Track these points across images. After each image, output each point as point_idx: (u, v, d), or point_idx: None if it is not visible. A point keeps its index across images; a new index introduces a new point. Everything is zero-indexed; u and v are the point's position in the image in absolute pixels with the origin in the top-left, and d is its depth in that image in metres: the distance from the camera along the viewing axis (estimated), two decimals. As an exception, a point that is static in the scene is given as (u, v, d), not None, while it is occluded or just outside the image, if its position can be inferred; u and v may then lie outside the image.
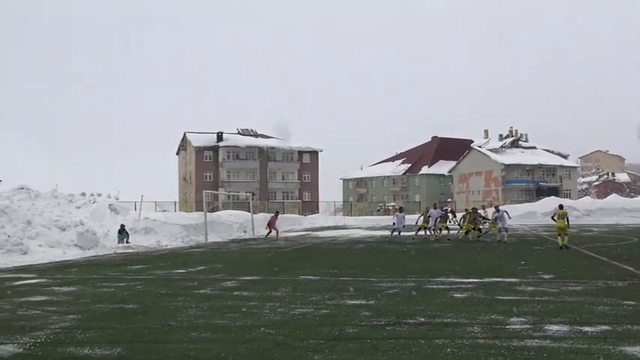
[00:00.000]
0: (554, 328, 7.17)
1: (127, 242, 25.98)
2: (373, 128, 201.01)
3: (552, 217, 21.39)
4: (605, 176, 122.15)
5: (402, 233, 26.58)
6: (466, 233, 25.30)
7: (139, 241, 26.46)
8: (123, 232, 26.49)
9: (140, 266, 16.86)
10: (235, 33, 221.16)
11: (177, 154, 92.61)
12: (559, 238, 20.59)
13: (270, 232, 31.12)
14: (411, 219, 30.31)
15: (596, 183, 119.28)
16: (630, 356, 5.83)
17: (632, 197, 69.92)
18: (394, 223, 26.93)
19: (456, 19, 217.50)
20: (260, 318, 8.14)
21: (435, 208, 29.06)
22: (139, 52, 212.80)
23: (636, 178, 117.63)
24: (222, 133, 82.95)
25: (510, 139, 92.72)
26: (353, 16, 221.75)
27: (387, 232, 29.21)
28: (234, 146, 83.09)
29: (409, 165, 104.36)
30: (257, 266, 16.38)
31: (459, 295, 9.92)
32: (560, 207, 21.95)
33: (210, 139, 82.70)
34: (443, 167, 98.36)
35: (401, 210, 28.71)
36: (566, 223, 20.44)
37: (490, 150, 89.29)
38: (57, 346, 6.67)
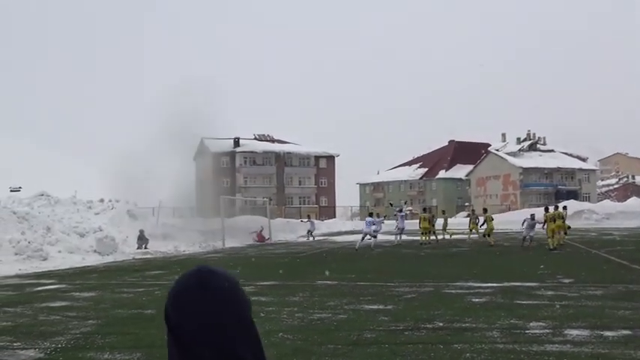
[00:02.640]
0: (575, 332, 7.11)
1: (146, 248, 26.15)
2: (390, 132, 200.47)
3: (542, 225, 21.41)
4: (625, 179, 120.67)
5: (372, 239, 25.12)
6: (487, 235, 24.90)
7: (157, 247, 26.63)
8: (142, 238, 26.68)
9: (158, 272, 16.96)
10: (248, 36, 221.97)
11: (195, 159, 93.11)
12: (550, 240, 20.52)
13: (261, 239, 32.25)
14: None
15: (615, 186, 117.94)
16: (652, 361, 5.78)
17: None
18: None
19: (471, 21, 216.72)
20: (278, 323, 8.16)
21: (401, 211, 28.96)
22: (151, 56, 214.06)
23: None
24: (238, 138, 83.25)
25: (528, 143, 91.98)
26: (369, 20, 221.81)
27: (405, 237, 29.12)
28: (251, 152, 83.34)
29: (426, 169, 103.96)
30: (274, 271, 16.39)
31: (477, 300, 9.86)
32: (556, 208, 21.90)
33: (227, 145, 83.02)
34: (460, 171, 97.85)
35: (370, 215, 27.60)
36: (562, 223, 20.52)
37: (508, 153, 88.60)
38: (77, 352, 6.73)
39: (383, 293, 10.98)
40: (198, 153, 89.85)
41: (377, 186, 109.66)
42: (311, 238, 25.74)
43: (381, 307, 9.37)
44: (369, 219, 26.02)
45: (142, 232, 27.09)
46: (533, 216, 24.02)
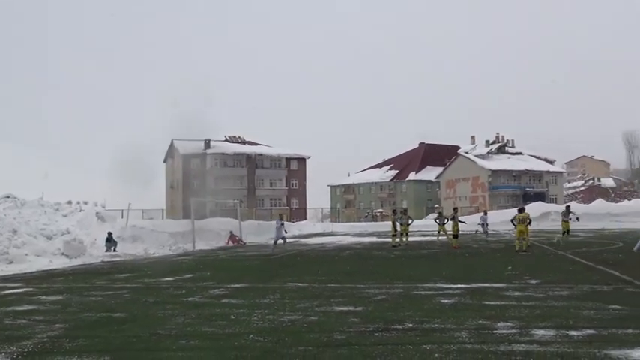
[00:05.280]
0: (541, 332, 7.24)
1: (115, 250, 25.86)
2: (361, 135, 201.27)
3: (512, 221, 21.67)
4: (591, 181, 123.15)
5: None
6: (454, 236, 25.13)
7: (127, 249, 26.35)
8: (110, 241, 26.37)
9: (127, 274, 16.78)
10: (220, 37, 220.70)
11: (165, 161, 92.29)
12: (517, 241, 20.84)
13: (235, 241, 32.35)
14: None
15: (581, 188, 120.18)
16: (615, 359, 5.91)
17: (617, 202, 70.60)
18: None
19: (442, 23, 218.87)
20: (248, 325, 8.15)
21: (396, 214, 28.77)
22: (120, 57, 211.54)
23: (621, 184, 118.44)
24: (209, 140, 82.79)
25: (497, 145, 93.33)
26: (339, 22, 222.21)
27: (375, 239, 29.25)
28: (222, 154, 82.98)
29: (397, 171, 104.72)
30: (245, 273, 16.36)
31: (446, 301, 9.97)
32: (520, 211, 22.19)
33: (197, 147, 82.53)
34: (430, 173, 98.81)
35: (281, 218, 28.00)
36: (526, 227, 20.80)
37: (477, 156, 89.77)
38: (44, 356, 6.64)
39: (353, 295, 11.04)
40: (169, 155, 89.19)
41: (348, 188, 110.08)
42: (280, 241, 25.57)
43: (351, 308, 9.41)
44: (277, 222, 26.35)
45: (110, 234, 26.78)
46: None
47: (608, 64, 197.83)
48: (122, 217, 34.24)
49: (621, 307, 8.90)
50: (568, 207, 27.43)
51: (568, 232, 25.47)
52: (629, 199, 73.17)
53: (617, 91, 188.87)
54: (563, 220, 25.79)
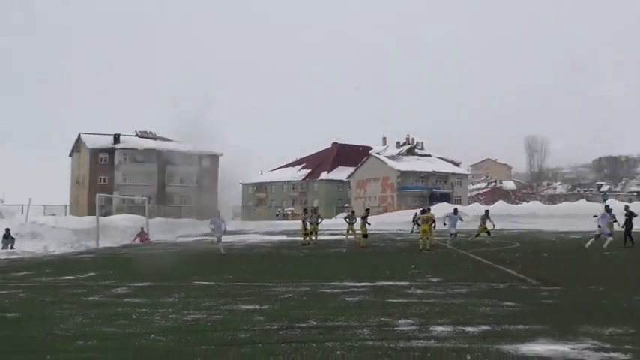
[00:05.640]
0: (439, 328, 7.50)
1: (12, 248, 24.65)
2: (275, 134, 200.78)
3: (415, 221, 22.37)
4: (494, 184, 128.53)
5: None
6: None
7: (25, 247, 25.19)
8: (8, 238, 25.12)
9: (25, 272, 16.04)
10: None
11: (71, 155, 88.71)
12: (420, 241, 21.58)
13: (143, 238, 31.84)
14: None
15: (485, 190, 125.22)
16: (506, 354, 6.20)
17: (517, 204, 74.16)
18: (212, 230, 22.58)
19: (352, 26, 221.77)
20: (151, 325, 7.98)
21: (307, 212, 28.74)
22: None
23: (521, 186, 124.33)
24: (119, 135, 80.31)
25: (407, 147, 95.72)
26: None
27: (285, 237, 29.35)
28: (132, 149, 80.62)
29: (309, 170, 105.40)
30: (150, 272, 15.98)
31: (351, 299, 10.14)
32: (423, 211, 22.94)
33: (106, 141, 79.87)
34: (342, 173, 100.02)
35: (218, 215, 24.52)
36: (430, 227, 21.56)
37: (388, 157, 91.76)
38: None
39: (260, 293, 11.02)
40: (75, 149, 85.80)
41: (260, 186, 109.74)
42: (214, 239, 23.43)
43: (257, 307, 9.40)
44: (216, 220, 22.81)
45: (8, 230, 25.50)
46: (455, 210, 24.54)
47: (513, 73, 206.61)
48: (22, 213, 32.69)
49: (514, 304, 9.35)
50: (487, 211, 27.23)
51: (489, 233, 25.05)
52: (528, 202, 77.18)
53: (519, 98, 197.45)
54: (481, 225, 25.30)
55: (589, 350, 6.32)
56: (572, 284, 11.89)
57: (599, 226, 21.15)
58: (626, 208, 23.98)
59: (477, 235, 25.30)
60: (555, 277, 13.02)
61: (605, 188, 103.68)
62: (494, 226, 25.55)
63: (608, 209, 22.22)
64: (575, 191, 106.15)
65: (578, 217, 45.69)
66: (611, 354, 6.16)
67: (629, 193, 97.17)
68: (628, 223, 22.86)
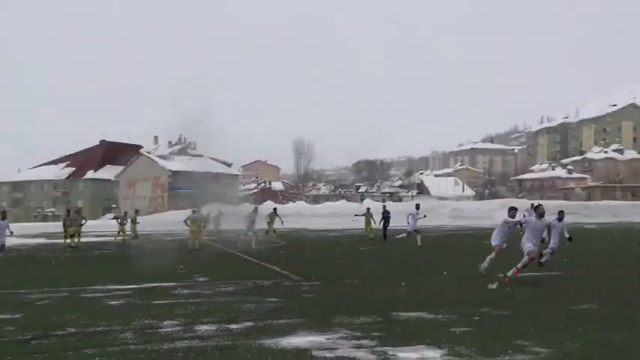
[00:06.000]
0: (204, 328, 7.59)
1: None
2: (38, 128, 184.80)
3: (185, 221, 22.63)
4: (263, 184, 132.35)
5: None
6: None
7: None
8: None
9: None
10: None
11: None
12: (190, 241, 21.84)
13: None
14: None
15: (255, 190, 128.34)
16: (267, 348, 6.50)
17: (285, 204, 77.31)
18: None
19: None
20: None
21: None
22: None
23: (289, 187, 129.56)
24: None
25: (179, 147, 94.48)
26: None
27: (44, 240, 27.26)
28: None
29: (74, 169, 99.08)
30: None
31: (114, 302, 9.80)
32: (194, 212, 23.37)
33: None
34: (111, 172, 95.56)
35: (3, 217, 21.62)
36: (199, 227, 22.04)
37: (159, 156, 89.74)
38: None
39: (12, 302, 10.13)
40: None
41: (16, 185, 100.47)
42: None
43: (8, 316, 8.64)
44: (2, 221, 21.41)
45: None
46: (418, 205, 23.84)
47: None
48: None
49: (278, 300, 9.80)
50: (275, 209, 28.09)
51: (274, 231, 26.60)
52: (295, 201, 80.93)
53: (291, 102, 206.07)
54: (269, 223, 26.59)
55: (342, 339, 6.87)
56: (330, 279, 12.73)
57: (409, 223, 22.64)
58: (384, 207, 26.65)
59: (266, 233, 26.25)
60: (316, 273, 13.82)
61: (362, 189, 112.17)
62: (282, 222, 27.28)
63: (418, 207, 23.36)
64: (337, 192, 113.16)
65: (339, 216, 48.94)
66: (361, 341, 6.77)
67: (383, 193, 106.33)
68: (386, 221, 25.54)
